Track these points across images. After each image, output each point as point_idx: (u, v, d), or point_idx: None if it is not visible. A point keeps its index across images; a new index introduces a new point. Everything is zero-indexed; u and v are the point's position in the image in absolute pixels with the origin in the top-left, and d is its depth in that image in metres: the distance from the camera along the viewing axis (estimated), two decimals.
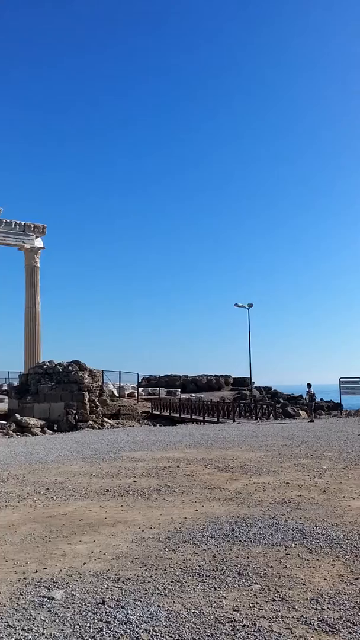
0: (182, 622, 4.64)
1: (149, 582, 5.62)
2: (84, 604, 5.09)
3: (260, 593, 5.27)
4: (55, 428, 31.33)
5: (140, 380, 52.29)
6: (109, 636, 4.43)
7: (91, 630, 4.54)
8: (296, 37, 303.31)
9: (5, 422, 30.28)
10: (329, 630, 4.44)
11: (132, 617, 4.76)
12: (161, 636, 4.39)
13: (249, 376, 47.36)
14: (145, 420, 36.66)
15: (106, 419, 33.97)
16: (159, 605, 5.00)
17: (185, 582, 5.58)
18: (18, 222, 45.84)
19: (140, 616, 4.78)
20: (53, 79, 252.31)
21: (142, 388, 49.65)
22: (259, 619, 4.66)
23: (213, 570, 5.92)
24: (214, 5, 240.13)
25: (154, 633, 4.45)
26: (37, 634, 4.49)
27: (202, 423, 32.47)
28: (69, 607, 5.02)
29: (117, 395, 41.22)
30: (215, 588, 5.41)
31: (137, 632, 4.48)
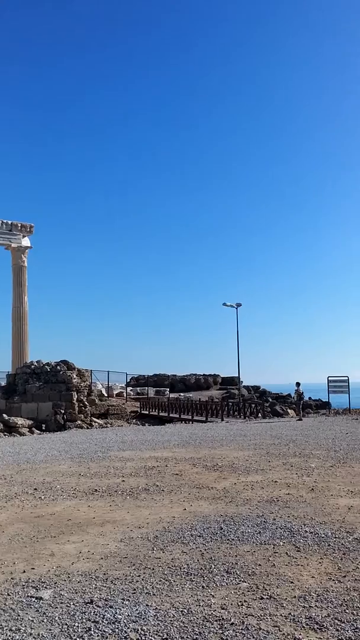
0: (171, 621, 4.64)
1: (137, 581, 5.61)
2: (72, 603, 5.08)
3: (249, 591, 5.28)
4: (44, 428, 31.22)
5: (128, 380, 52.20)
6: (97, 636, 4.43)
7: (79, 630, 4.53)
8: (292, 36, 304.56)
9: None
10: (317, 628, 4.45)
11: (120, 616, 4.75)
12: (149, 635, 4.39)
13: (237, 375, 47.47)
14: (134, 420, 36.62)
15: (95, 419, 33.91)
16: (147, 605, 4.99)
17: (174, 581, 5.58)
18: (5, 221, 45.65)
19: (128, 615, 4.77)
20: (44, 77, 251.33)
21: (131, 387, 49.55)
22: (247, 617, 4.68)
23: (201, 569, 5.93)
24: (212, 3, 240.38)
25: (142, 632, 4.44)
26: (25, 634, 4.47)
27: (190, 422, 32.50)
28: (57, 607, 5.01)
29: (106, 394, 41.15)
30: (203, 587, 5.42)
31: (125, 631, 4.48)
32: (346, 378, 34.19)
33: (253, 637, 4.31)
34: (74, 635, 4.44)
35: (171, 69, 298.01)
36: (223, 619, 4.66)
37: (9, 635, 4.46)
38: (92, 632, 4.47)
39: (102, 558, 6.40)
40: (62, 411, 32.71)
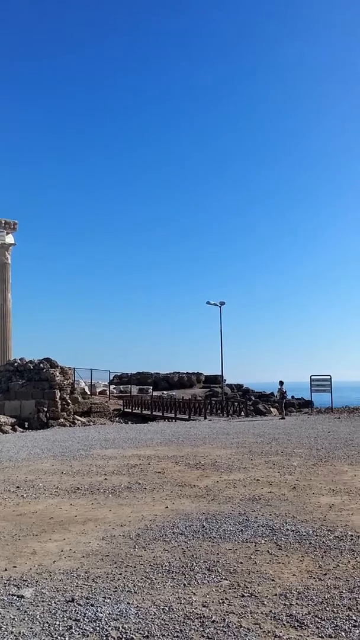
0: (152, 619, 4.65)
1: (118, 579, 5.62)
2: (53, 602, 5.07)
3: (230, 589, 5.30)
4: (26, 426, 31.10)
5: (112, 378, 52.07)
6: (78, 634, 4.42)
7: (60, 628, 4.52)
8: (289, 35, 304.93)
9: None
10: (297, 626, 4.48)
11: (101, 614, 4.76)
12: (130, 633, 4.40)
13: (220, 374, 47.54)
14: (117, 418, 36.59)
15: (77, 417, 33.83)
16: (128, 603, 5.00)
17: (155, 579, 5.59)
18: None
19: (109, 613, 4.77)
20: (39, 70, 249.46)
21: (114, 386, 49.48)
22: (228, 615, 4.70)
23: (183, 566, 5.95)
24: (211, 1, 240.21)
25: (123, 630, 4.45)
26: (5, 632, 4.46)
27: (173, 420, 32.52)
28: (38, 605, 5.00)
29: (89, 392, 41.04)
30: (184, 584, 5.43)
31: (106, 629, 4.48)
32: (329, 377, 34.41)
33: (234, 635, 4.33)
34: (55, 634, 4.43)
35: (164, 67, 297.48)
36: (204, 616, 4.67)
37: None
38: (73, 631, 4.47)
39: (83, 556, 6.39)
40: (45, 409, 32.61)
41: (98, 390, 44.56)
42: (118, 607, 4.90)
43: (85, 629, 4.49)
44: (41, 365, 35.00)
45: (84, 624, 4.59)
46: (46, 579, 5.68)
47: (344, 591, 5.20)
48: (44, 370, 34.48)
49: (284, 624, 4.51)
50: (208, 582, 5.51)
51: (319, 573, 5.72)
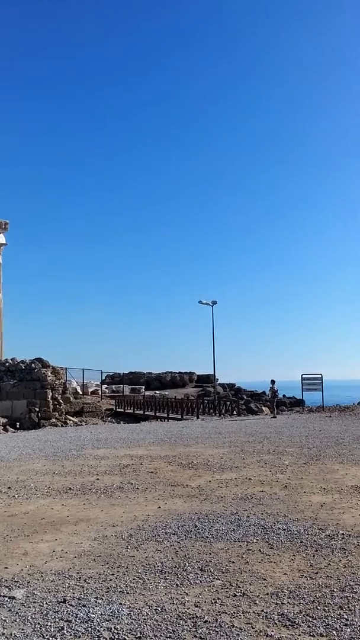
0: (144, 619, 4.65)
1: (110, 580, 5.61)
2: (45, 603, 5.06)
3: (222, 589, 5.31)
4: (18, 426, 31.01)
5: (104, 378, 51.96)
6: (70, 635, 4.42)
7: (52, 629, 4.51)
8: (290, 35, 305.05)
9: None
10: (289, 625, 4.50)
11: (93, 615, 4.75)
12: (123, 634, 4.40)
13: (212, 373, 47.57)
14: (109, 418, 36.54)
15: (69, 417, 33.76)
16: (120, 603, 5.00)
17: (148, 580, 5.59)
18: None
19: (101, 614, 4.77)
20: (37, 70, 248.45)
21: (106, 385, 49.40)
22: (220, 615, 4.70)
23: (175, 567, 5.95)
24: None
25: (116, 631, 4.44)
26: None
27: (166, 420, 32.51)
28: (29, 607, 4.99)
29: (81, 392, 40.97)
30: (177, 585, 5.43)
31: (98, 630, 4.47)
32: (320, 376, 34.46)
33: (226, 635, 4.34)
34: (47, 635, 4.42)
35: (163, 66, 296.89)
36: (196, 616, 4.68)
37: None
38: (65, 632, 4.46)
39: (75, 557, 6.38)
40: (37, 409, 32.52)
41: (90, 390, 44.48)
42: (110, 608, 4.89)
43: (77, 630, 4.48)
44: (33, 365, 34.90)
45: (76, 624, 4.58)
46: (38, 579, 5.67)
47: (335, 590, 5.22)
48: (36, 370, 34.38)
49: (275, 623, 4.52)
50: (200, 582, 5.51)
51: (311, 572, 5.74)
